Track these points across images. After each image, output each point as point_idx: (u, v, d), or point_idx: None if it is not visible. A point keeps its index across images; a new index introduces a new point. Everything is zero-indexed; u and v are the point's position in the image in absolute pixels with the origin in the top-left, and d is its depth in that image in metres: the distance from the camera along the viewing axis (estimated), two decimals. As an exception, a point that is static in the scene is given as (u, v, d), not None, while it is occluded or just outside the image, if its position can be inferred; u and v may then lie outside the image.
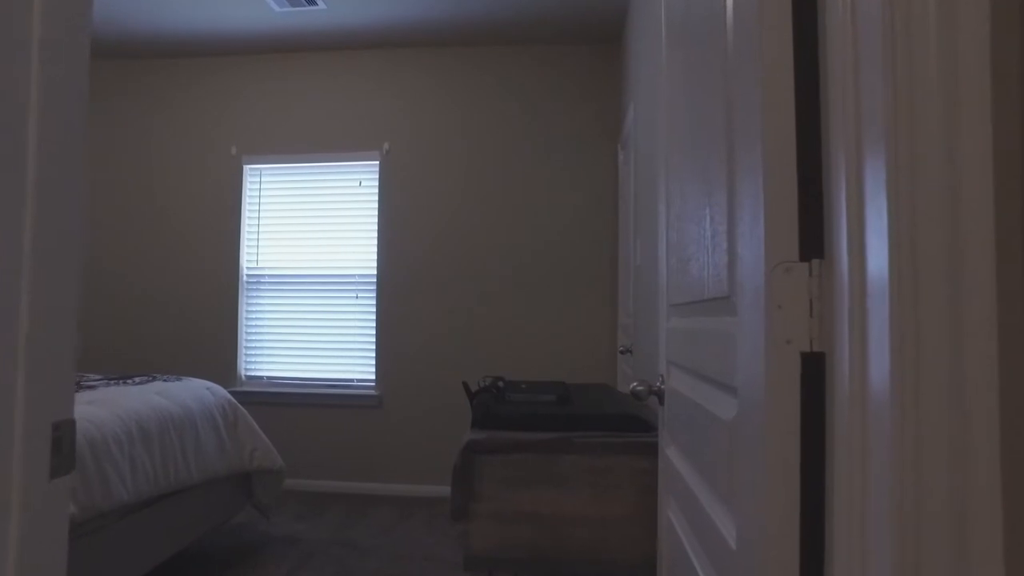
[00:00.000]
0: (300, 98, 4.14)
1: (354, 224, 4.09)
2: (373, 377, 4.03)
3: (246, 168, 4.15)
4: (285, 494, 3.87)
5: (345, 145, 4.09)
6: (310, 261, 4.11)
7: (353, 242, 4.09)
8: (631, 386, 1.40)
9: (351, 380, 4.06)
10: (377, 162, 4.07)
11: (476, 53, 4.03)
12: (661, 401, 1.39)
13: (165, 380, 2.75)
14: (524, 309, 3.93)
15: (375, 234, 4.06)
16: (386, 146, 4.05)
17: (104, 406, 2.19)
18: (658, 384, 1.40)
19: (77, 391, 2.37)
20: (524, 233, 3.95)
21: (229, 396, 2.91)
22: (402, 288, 4.01)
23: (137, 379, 2.75)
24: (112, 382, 2.64)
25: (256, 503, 3.02)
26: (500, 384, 2.24)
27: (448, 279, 3.98)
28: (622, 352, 3.31)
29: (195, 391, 2.69)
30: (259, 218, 4.17)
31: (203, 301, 4.15)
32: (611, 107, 3.95)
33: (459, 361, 3.94)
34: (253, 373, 4.12)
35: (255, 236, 4.17)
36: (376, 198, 4.07)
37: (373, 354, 4.03)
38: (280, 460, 2.97)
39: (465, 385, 2.10)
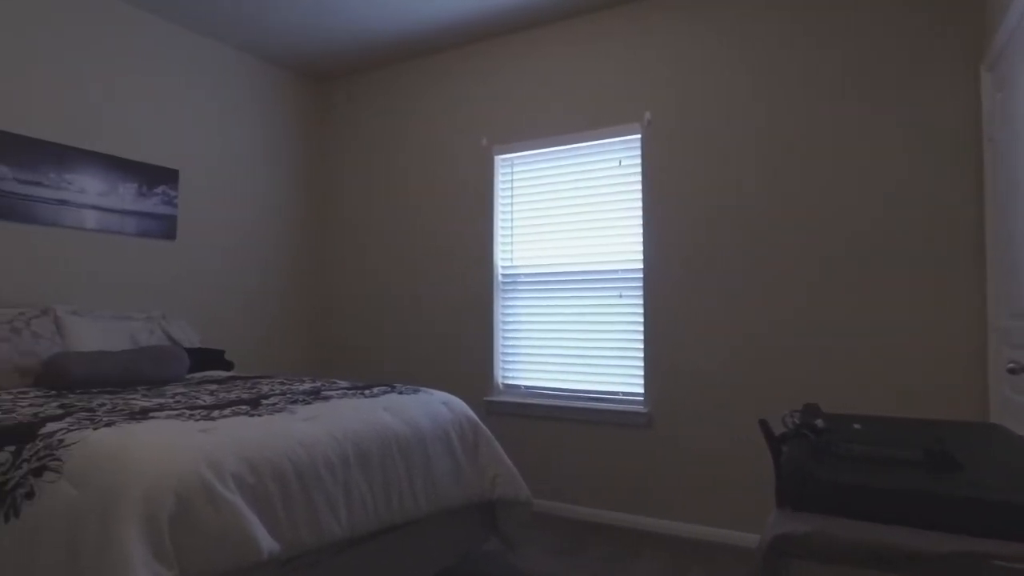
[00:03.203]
0: (547, 76, 3.70)
1: (615, 211, 3.51)
2: (641, 390, 3.39)
3: (497, 159, 3.85)
4: (541, 520, 3.43)
5: (600, 121, 3.53)
6: (567, 256, 3.63)
7: (614, 232, 3.51)
8: None
9: (615, 393, 3.48)
10: (638, 136, 3.43)
11: (760, -17, 3.16)
12: None
13: (401, 392, 2.47)
14: (839, 309, 2.93)
15: (639, 221, 3.43)
16: (647, 116, 3.39)
17: (320, 423, 1.92)
18: None
19: (309, 403, 2.16)
20: (836, 206, 2.95)
21: (470, 413, 2.53)
22: (674, 284, 3.30)
23: (376, 389, 2.51)
24: (351, 392, 2.43)
25: (500, 533, 2.60)
26: (818, 424, 1.44)
27: (732, 271, 3.16)
28: (1011, 371, 2.17)
29: (429, 407, 2.35)
30: (512, 212, 3.83)
31: (458, 304, 3.95)
32: (965, 15, 2.74)
33: (749, 373, 3.10)
34: (511, 381, 3.80)
35: (509, 232, 3.84)
36: (639, 178, 3.43)
37: (641, 363, 3.40)
38: (526, 490, 2.50)
39: (764, 426, 1.35)
